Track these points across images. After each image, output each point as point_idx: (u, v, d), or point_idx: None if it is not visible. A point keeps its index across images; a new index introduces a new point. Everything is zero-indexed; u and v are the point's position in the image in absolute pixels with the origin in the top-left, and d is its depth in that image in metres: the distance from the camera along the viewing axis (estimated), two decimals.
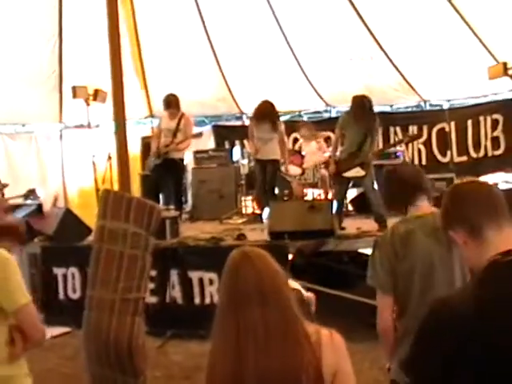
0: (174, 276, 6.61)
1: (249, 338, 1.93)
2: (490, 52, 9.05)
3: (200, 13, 9.98)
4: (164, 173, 8.52)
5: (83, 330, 4.07)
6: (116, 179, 6.74)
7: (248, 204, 9.38)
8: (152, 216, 4.18)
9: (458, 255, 2.70)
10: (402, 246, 2.82)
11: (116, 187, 6.70)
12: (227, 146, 10.85)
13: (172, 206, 8.05)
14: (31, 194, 8.66)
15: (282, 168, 8.47)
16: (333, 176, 7.59)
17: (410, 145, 10.37)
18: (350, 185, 7.42)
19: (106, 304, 3.96)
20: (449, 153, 10.20)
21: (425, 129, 10.35)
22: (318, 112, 10.91)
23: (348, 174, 7.14)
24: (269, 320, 1.93)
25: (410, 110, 10.70)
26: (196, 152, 9.92)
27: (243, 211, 9.31)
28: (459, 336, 1.60)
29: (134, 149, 9.92)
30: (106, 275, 4.03)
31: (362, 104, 7.04)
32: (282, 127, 8.40)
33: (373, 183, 7.07)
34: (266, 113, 8.09)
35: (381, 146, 9.37)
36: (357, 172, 7.07)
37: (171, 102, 8.46)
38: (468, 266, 2.03)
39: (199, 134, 9.71)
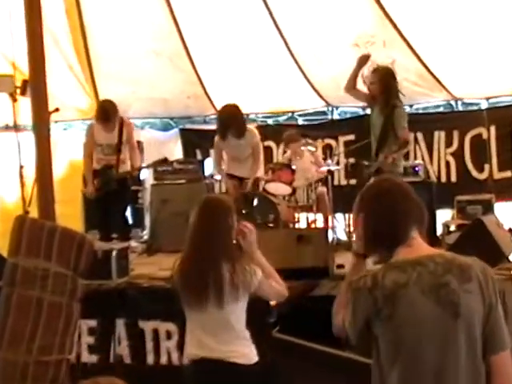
0: (120, 327, 6.58)
1: None
2: None
3: None
4: (110, 195, 8.33)
5: None
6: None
7: None
8: (82, 251, 4.15)
9: (467, 325, 2.50)
10: (386, 303, 2.54)
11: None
12: (199, 155, 10.85)
13: (115, 235, 8.01)
14: None
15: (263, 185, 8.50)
16: None
17: (436, 156, 10.38)
18: None
19: (16, 369, 3.91)
20: (487, 167, 10.17)
21: (455, 135, 10.35)
22: (317, 113, 10.92)
23: None
24: None
25: (435, 110, 10.69)
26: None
27: None
28: None
29: (78, 155, 9.85)
30: (18, 330, 3.99)
31: (386, 77, 7.65)
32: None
33: None
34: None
35: None
36: None
37: (110, 113, 8.03)
38: None
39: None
